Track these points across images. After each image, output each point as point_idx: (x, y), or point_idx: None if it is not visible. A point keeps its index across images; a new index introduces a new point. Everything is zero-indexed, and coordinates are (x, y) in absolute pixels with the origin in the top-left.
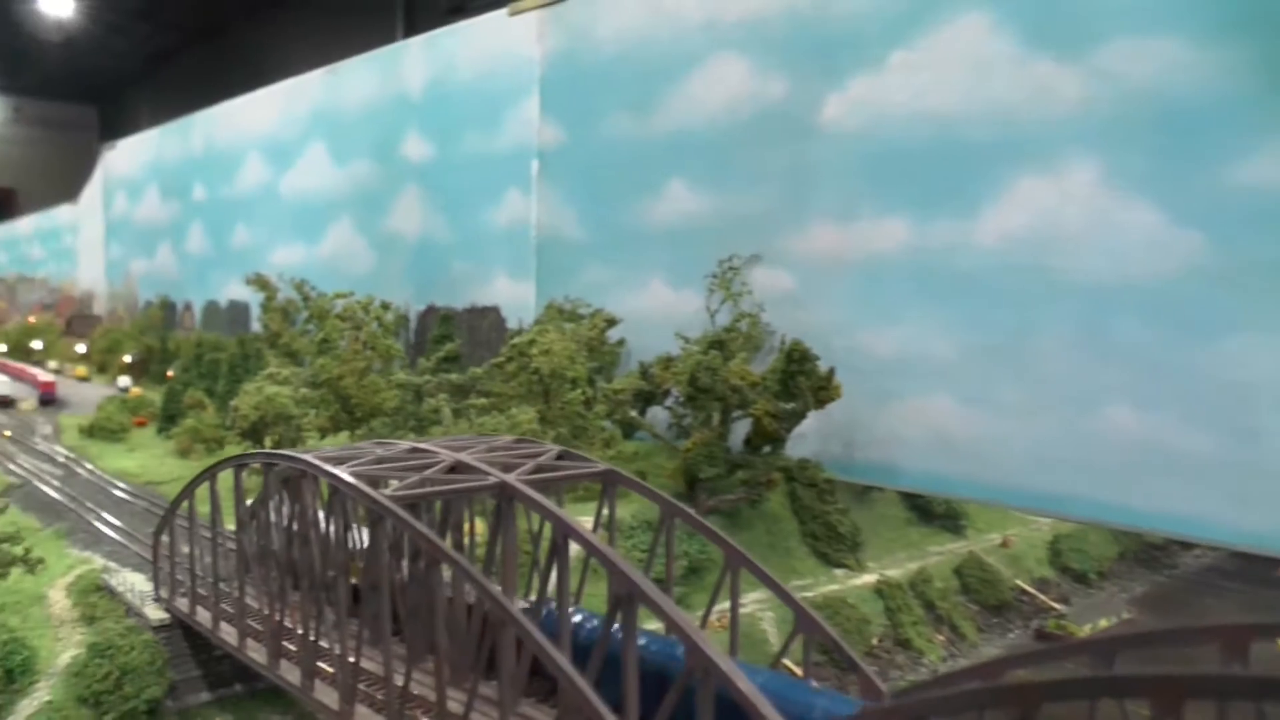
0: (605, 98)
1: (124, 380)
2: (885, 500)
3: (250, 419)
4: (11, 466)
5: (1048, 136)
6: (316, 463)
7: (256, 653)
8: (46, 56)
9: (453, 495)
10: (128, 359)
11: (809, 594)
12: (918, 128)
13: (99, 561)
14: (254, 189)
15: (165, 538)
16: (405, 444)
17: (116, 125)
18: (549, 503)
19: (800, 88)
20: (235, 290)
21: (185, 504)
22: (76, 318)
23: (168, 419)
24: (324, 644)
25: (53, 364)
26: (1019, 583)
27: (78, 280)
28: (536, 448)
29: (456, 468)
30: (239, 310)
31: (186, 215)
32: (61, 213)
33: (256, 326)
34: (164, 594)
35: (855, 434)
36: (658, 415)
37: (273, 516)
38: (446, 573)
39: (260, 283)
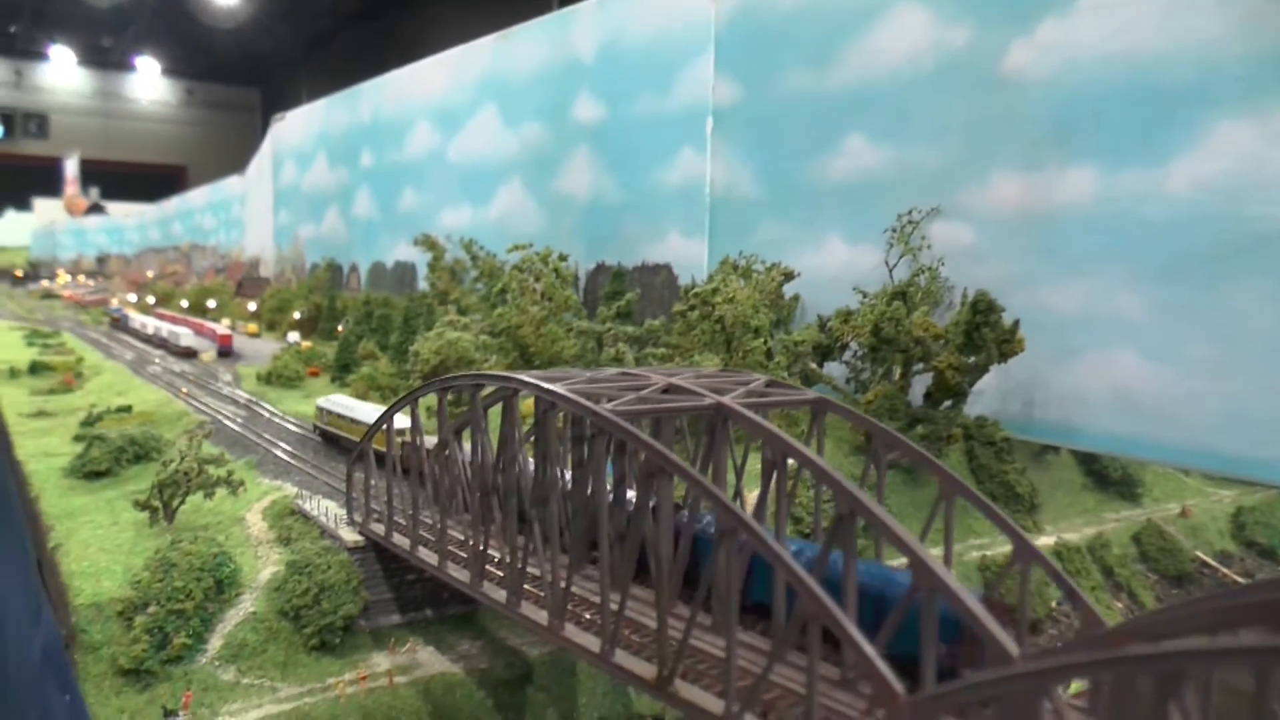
0: (782, 53)
1: (293, 336)
2: (1060, 463)
3: (431, 362)
4: (200, 407)
5: (1253, 75)
6: (531, 380)
7: (458, 574)
8: (215, 43)
9: (670, 414)
10: (297, 316)
11: (987, 553)
12: (1109, 72)
13: (290, 489)
14: (422, 154)
15: (360, 466)
16: (613, 370)
17: (278, 105)
18: (767, 423)
19: (984, 35)
20: (402, 251)
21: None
22: (246, 280)
23: (341, 368)
24: (533, 567)
25: (226, 321)
26: (1200, 554)
27: (244, 246)
28: (744, 376)
29: (669, 389)
30: (405, 270)
31: (354, 181)
32: (230, 184)
33: (423, 285)
34: (358, 518)
35: (1034, 392)
36: (833, 370)
37: (475, 438)
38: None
39: (428, 243)
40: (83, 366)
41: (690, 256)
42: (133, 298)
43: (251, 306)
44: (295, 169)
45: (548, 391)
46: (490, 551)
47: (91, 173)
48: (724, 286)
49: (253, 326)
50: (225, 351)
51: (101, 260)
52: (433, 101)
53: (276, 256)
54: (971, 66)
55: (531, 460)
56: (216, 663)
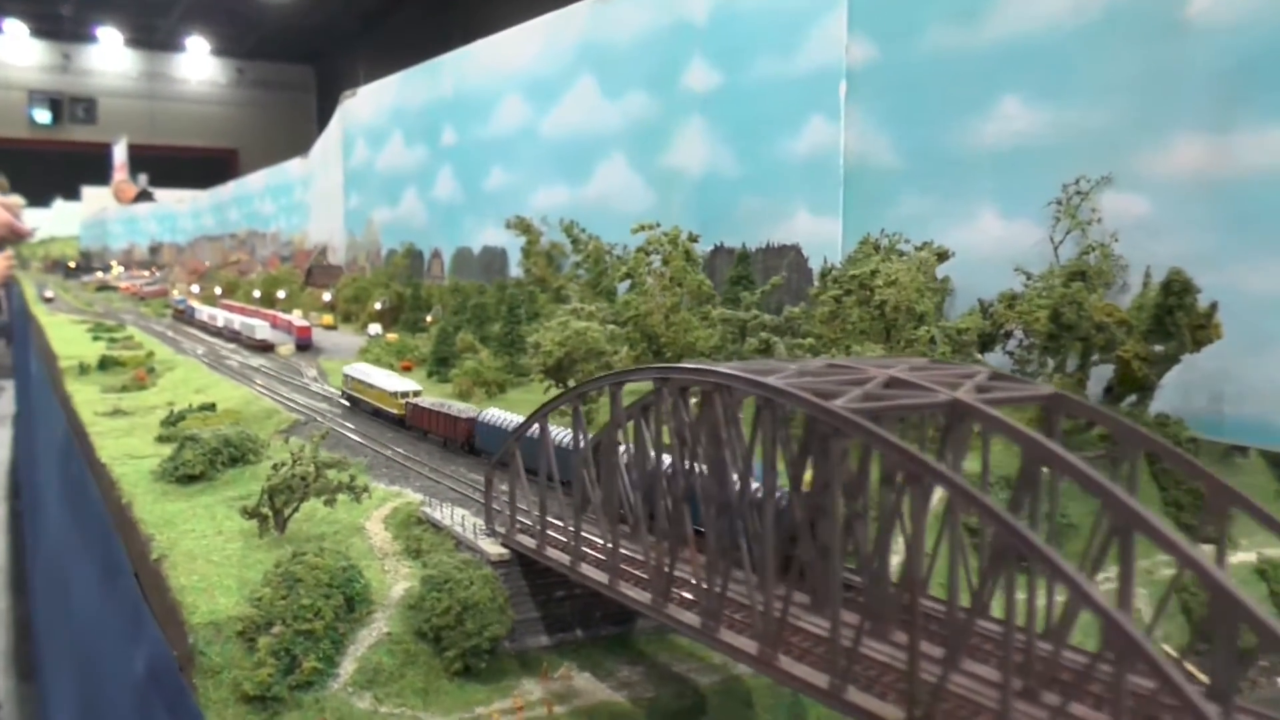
0: (925, 6)
1: (374, 328)
2: (1249, 467)
3: (555, 355)
4: (290, 404)
5: None
6: (744, 374)
7: (635, 594)
8: (266, 19)
9: (904, 412)
10: (377, 307)
11: (1173, 571)
12: None
13: (411, 495)
14: (511, 129)
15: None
16: (818, 361)
17: (333, 83)
18: (1019, 424)
19: None
20: (490, 235)
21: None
22: (316, 268)
23: (439, 362)
24: (739, 591)
25: (297, 312)
26: None
27: (308, 232)
28: (959, 368)
29: (892, 384)
30: (494, 256)
31: (434, 160)
32: (291, 167)
33: (516, 272)
34: (501, 529)
35: (1223, 385)
36: (992, 362)
37: (649, 441)
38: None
39: (522, 226)
40: (153, 362)
41: (821, 236)
42: (195, 289)
43: (326, 297)
44: (367, 148)
45: (770, 388)
46: (683, 568)
47: (139, 158)
48: (883, 268)
49: (328, 318)
50: (304, 345)
51: (154, 249)
52: (523, 72)
53: (348, 243)
54: (1145, 13)
55: (692, 465)
56: (350, 689)
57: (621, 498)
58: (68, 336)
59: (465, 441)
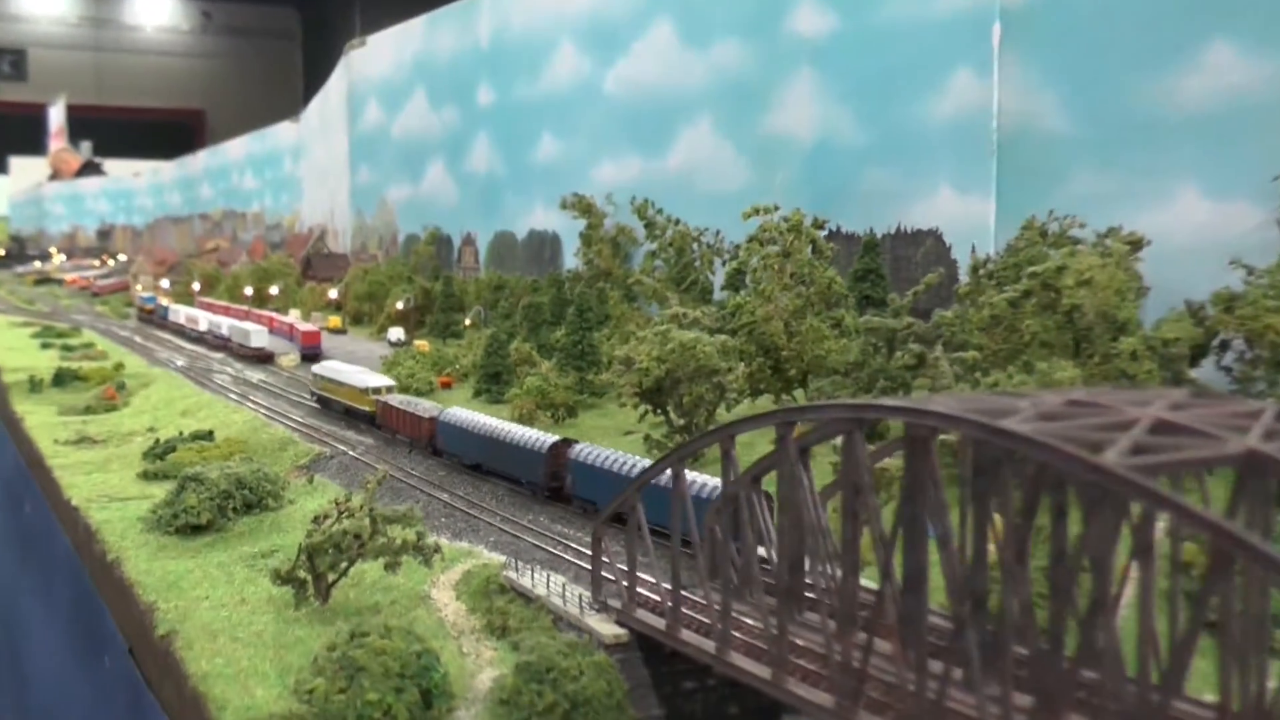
0: None
1: (396, 332)
2: None
3: (653, 374)
4: (309, 432)
5: None
6: (976, 418)
7: (812, 695)
8: None
9: (1191, 468)
10: (399, 306)
11: None
12: None
13: (486, 554)
14: (566, 87)
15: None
16: (1054, 396)
17: (323, 30)
18: None
19: None
20: (539, 217)
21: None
22: (316, 257)
23: (490, 378)
24: (958, 697)
25: (295, 313)
26: None
27: (301, 213)
28: (1233, 404)
29: (1160, 428)
30: (543, 243)
31: (467, 125)
32: (280, 133)
33: (571, 263)
34: (615, 602)
35: None
36: (1203, 376)
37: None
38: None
39: (581, 206)
40: (123, 376)
41: (969, 219)
42: (165, 283)
43: (332, 294)
44: (381, 110)
45: (1014, 436)
46: (877, 662)
47: (82, 122)
48: (1071, 262)
49: (334, 319)
50: (311, 354)
51: (104, 233)
52: (581, 16)
53: (355, 226)
54: None
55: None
56: None
57: (781, 565)
58: (8, 343)
59: (428, 442)
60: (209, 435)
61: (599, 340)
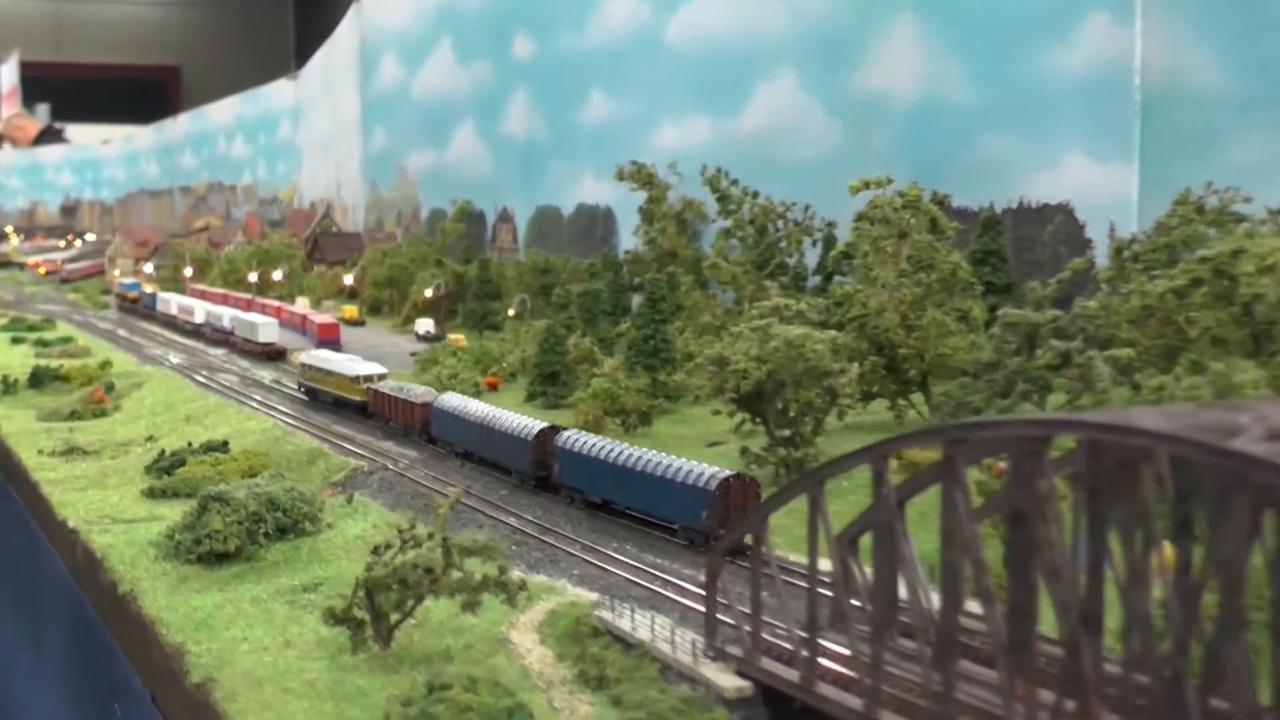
0: None
1: (425, 324)
2: None
3: (753, 377)
4: (342, 442)
5: None
6: (1208, 440)
7: None
8: None
9: None
10: (427, 294)
11: None
12: None
13: (571, 590)
14: (620, 36)
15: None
16: (1268, 404)
17: None
18: None
19: None
20: (588, 190)
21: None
22: (324, 237)
23: (546, 379)
24: None
25: (303, 301)
26: None
27: (300, 185)
28: None
29: None
30: (594, 219)
31: (502, 82)
32: (275, 94)
33: (629, 242)
34: (735, 650)
35: None
36: None
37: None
38: None
39: (640, 177)
40: (110, 375)
41: (1106, 192)
42: (148, 267)
43: (347, 279)
44: (400, 66)
45: (1255, 462)
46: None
47: (40, 82)
48: (1249, 245)
49: (350, 309)
50: (330, 350)
51: (69, 210)
52: None
53: (370, 200)
54: None
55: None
56: None
57: (944, 607)
58: None
59: (422, 429)
60: (223, 446)
61: (672, 334)
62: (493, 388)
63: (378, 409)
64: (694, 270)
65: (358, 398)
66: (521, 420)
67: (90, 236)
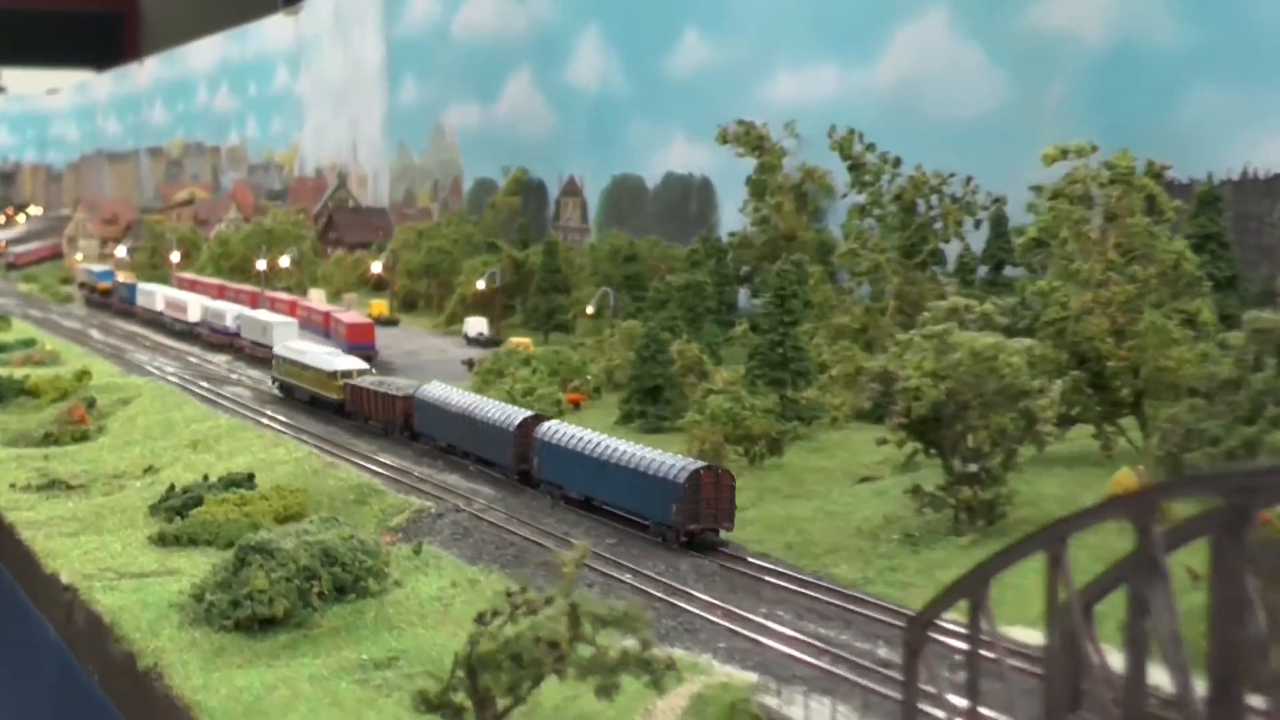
0: None
1: (477, 324)
2: None
3: (929, 398)
4: (398, 475)
5: None
6: None
7: None
8: None
9: None
10: (479, 286)
11: None
12: None
13: (720, 667)
14: None
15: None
16: None
17: None
18: None
19: None
20: (678, 155)
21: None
22: (340, 213)
23: (645, 395)
24: None
25: (317, 294)
26: None
27: (301, 147)
28: None
29: None
30: (687, 191)
31: (568, 19)
32: (269, 33)
33: (731, 221)
34: None
35: None
36: None
37: None
38: None
39: (748, 139)
40: (89, 388)
41: None
42: (121, 250)
43: (375, 267)
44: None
45: None
46: None
47: None
48: None
49: (378, 304)
50: (365, 355)
51: (7, 177)
52: None
53: (397, 167)
54: None
55: None
56: None
57: (1216, 693)
58: None
59: (404, 425)
60: (248, 481)
61: (800, 338)
62: (575, 405)
63: (356, 407)
64: (819, 258)
65: (334, 395)
66: (504, 409)
67: (34, 210)
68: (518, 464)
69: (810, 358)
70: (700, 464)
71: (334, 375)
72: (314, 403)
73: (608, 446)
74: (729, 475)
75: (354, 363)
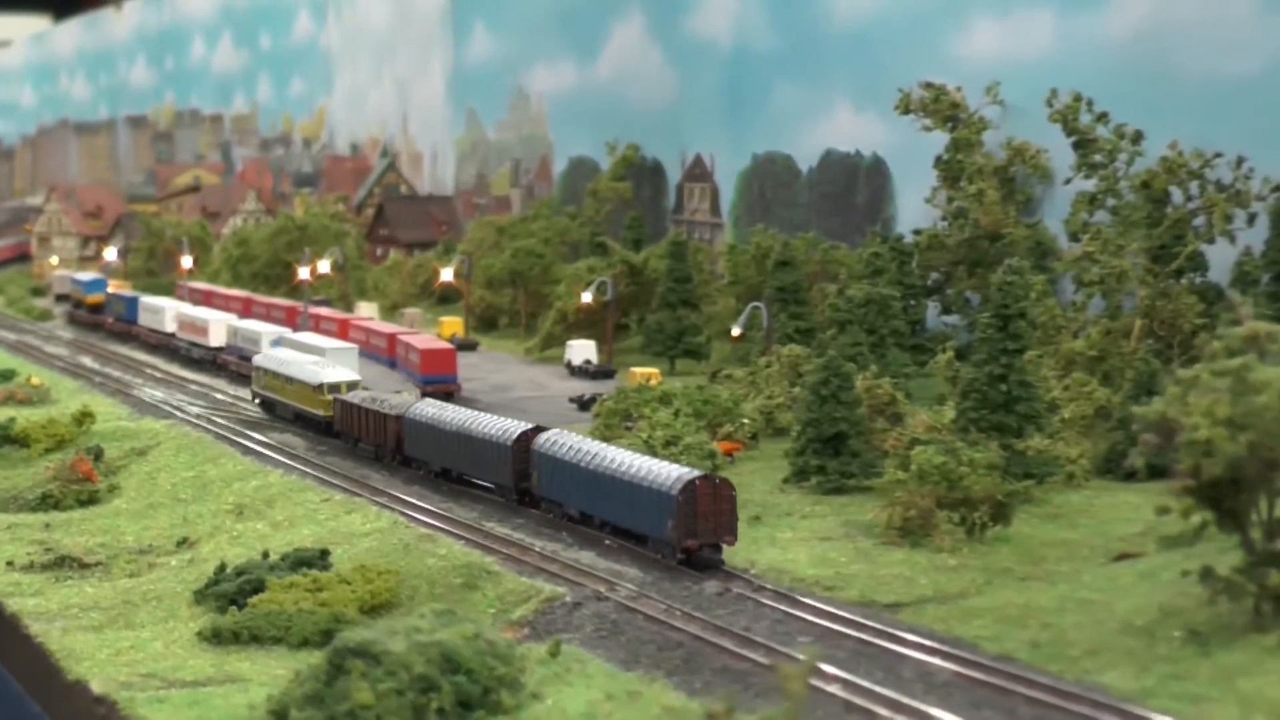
0: None
1: (582, 348)
2: None
3: (1225, 454)
4: (515, 551)
5: None
6: None
7: None
8: None
9: None
10: (585, 298)
11: None
12: None
13: None
14: None
15: None
16: None
17: None
18: None
19: None
20: (842, 127)
21: None
22: (393, 203)
23: (824, 445)
24: None
25: (365, 308)
26: None
27: (328, 116)
28: None
29: None
30: (853, 174)
31: None
32: None
33: (914, 214)
34: None
35: None
36: None
37: None
38: None
39: (937, 108)
40: (92, 432)
41: None
42: (111, 254)
43: (446, 274)
44: None
45: None
46: None
47: None
48: None
49: (452, 322)
50: (441, 388)
51: None
52: None
53: (465, 142)
54: None
55: None
56: None
57: None
58: None
59: (395, 448)
60: (321, 558)
61: (1029, 370)
62: (730, 455)
63: (345, 426)
64: (1033, 262)
65: (321, 411)
66: (501, 423)
67: None
68: (518, 482)
69: (1040, 396)
70: (696, 473)
71: (320, 389)
72: (298, 419)
73: (604, 457)
74: (728, 485)
75: (344, 374)
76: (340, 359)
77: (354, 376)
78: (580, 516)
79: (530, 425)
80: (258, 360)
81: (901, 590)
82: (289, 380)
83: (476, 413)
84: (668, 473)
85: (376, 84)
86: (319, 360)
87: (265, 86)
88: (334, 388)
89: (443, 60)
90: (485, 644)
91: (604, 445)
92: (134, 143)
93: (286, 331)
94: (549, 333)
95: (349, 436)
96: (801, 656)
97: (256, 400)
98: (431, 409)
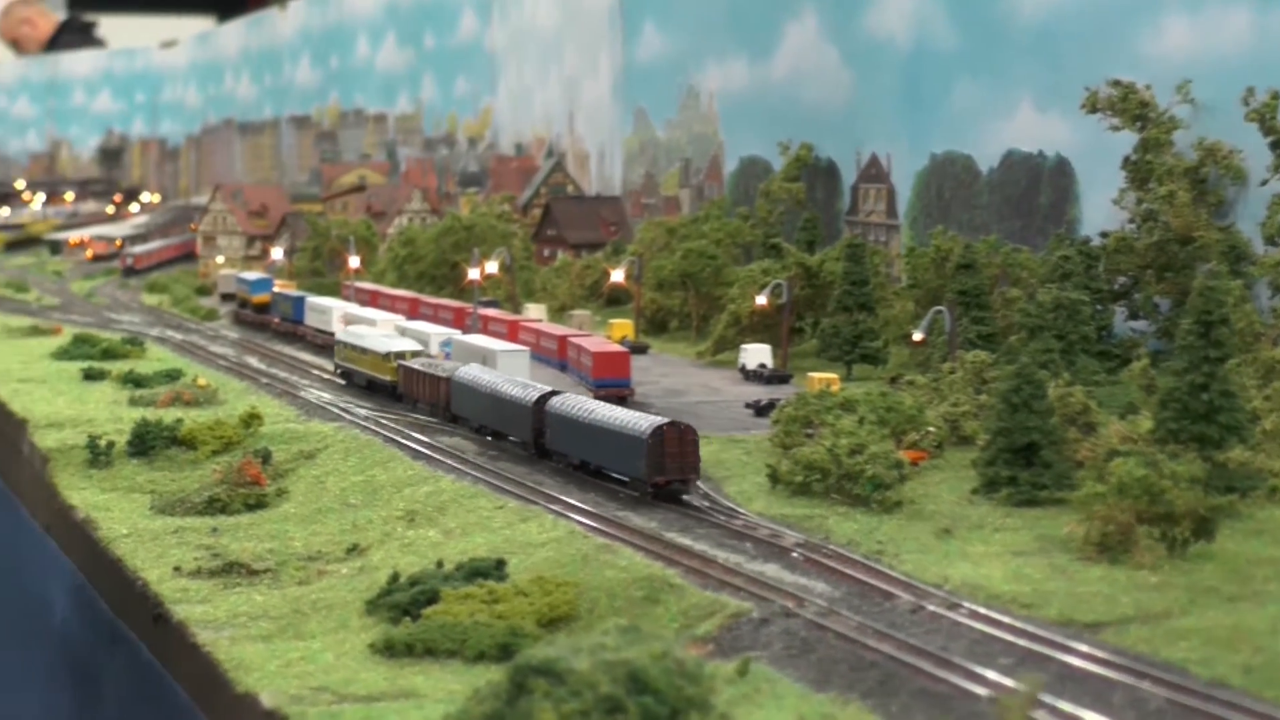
0: None
1: (756, 352)
2: None
3: None
4: (699, 563)
5: None
6: None
7: None
8: None
9: None
10: (760, 301)
11: None
12: None
13: None
14: None
15: None
16: None
17: None
18: None
19: None
20: (1024, 126)
21: None
22: (559, 203)
23: (1015, 455)
24: None
25: (533, 310)
26: None
27: (494, 113)
28: None
29: None
30: (1035, 175)
31: None
32: None
33: (1099, 215)
34: None
35: None
36: None
37: None
38: None
39: (1125, 106)
40: (259, 433)
41: None
42: (278, 253)
43: (616, 275)
44: None
45: None
46: None
47: None
48: None
49: (622, 325)
50: (616, 392)
51: (112, 154)
52: None
53: (634, 143)
54: None
55: None
56: None
57: None
58: (16, 368)
59: (445, 407)
60: (497, 568)
61: (1230, 379)
62: (916, 463)
63: (407, 390)
64: (1228, 267)
65: (388, 377)
66: (526, 386)
67: (147, 197)
68: (536, 438)
69: (1243, 406)
70: (664, 420)
71: (388, 357)
72: (370, 387)
73: (595, 410)
74: (692, 430)
75: (408, 344)
76: (512, 362)
77: (416, 346)
78: (580, 464)
79: (547, 389)
80: (339, 336)
81: (1102, 609)
82: (363, 351)
83: (506, 376)
84: (641, 422)
85: (542, 83)
86: (388, 334)
87: (429, 86)
88: (400, 355)
89: (611, 59)
90: (673, 663)
91: (597, 403)
92: (298, 142)
93: (455, 333)
94: (722, 336)
95: (410, 399)
96: (1022, 686)
97: (338, 371)
98: (472, 372)
